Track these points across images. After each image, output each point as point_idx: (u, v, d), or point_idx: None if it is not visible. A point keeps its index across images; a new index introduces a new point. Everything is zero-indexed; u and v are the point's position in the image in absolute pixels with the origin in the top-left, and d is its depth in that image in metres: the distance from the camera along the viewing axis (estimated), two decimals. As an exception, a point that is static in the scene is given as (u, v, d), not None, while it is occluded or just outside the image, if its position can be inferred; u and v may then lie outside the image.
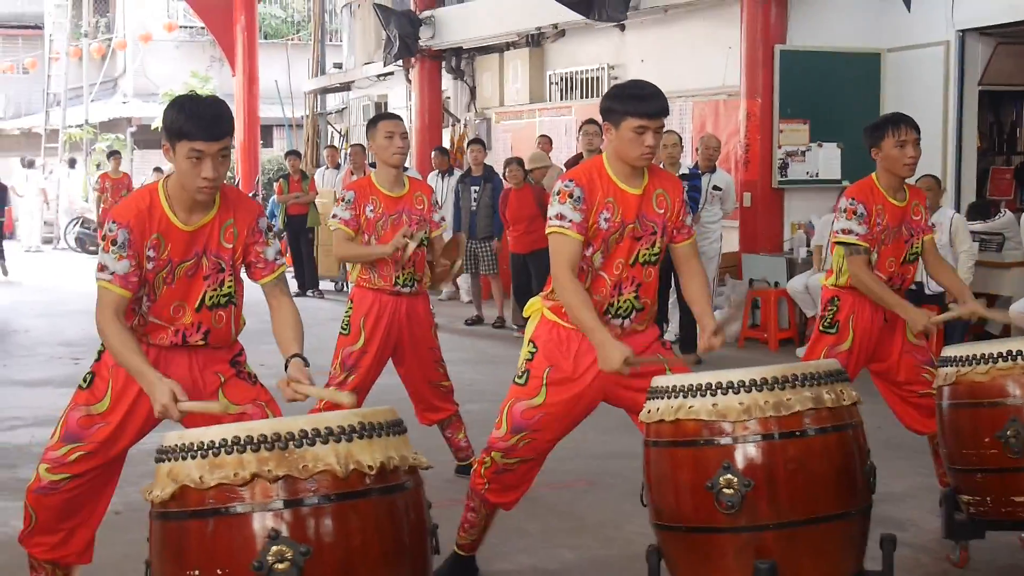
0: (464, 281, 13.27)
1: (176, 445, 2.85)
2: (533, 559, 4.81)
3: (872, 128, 5.05)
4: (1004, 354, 4.24)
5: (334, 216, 5.70)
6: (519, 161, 11.33)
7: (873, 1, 10.78)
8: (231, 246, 3.69)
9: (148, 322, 3.67)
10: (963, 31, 10.27)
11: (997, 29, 10.26)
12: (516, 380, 4.13)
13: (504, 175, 11.27)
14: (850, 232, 4.94)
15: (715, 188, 10.16)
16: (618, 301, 4.05)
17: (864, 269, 4.94)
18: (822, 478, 3.37)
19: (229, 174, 22.08)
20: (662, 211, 4.09)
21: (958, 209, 9.94)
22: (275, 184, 15.08)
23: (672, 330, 10.06)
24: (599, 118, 4.28)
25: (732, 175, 10.80)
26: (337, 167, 15.98)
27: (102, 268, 3.57)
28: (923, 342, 5.09)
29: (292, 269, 15.03)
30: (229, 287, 3.72)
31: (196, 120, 3.47)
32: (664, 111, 3.99)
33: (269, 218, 16.16)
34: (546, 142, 13.11)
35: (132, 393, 3.69)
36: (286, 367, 3.58)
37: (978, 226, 9.66)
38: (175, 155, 3.52)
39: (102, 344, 3.78)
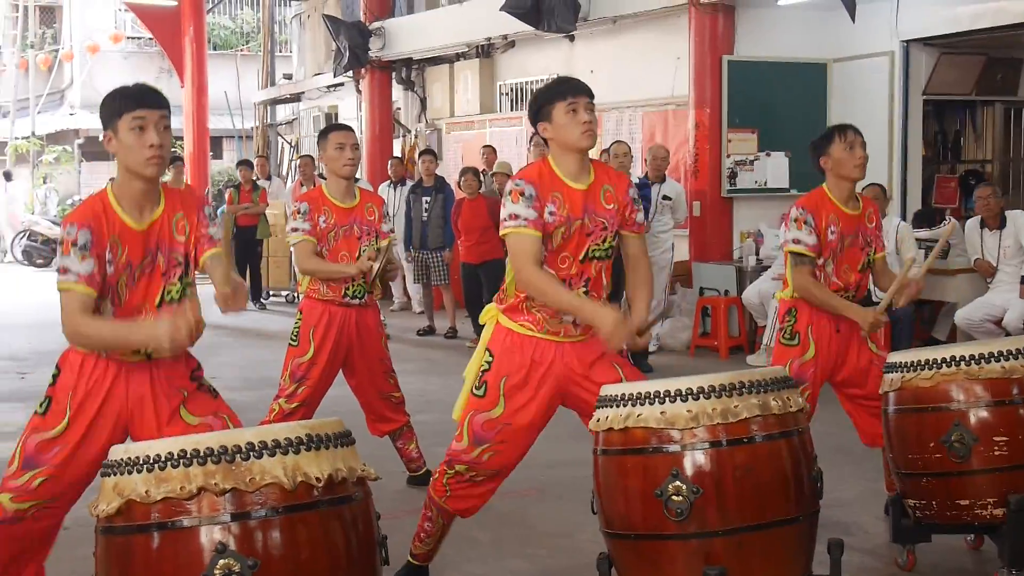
0: (416, 292, 13.25)
1: (122, 459, 2.83)
2: (484, 568, 4.81)
3: (818, 140, 5.08)
4: (948, 359, 4.31)
5: (294, 230, 5.67)
6: (474, 171, 11.34)
7: (818, 12, 10.90)
8: (183, 239, 3.71)
9: None
10: (907, 42, 10.41)
11: (940, 39, 10.41)
12: (474, 391, 4.11)
13: (459, 184, 11.28)
14: (799, 242, 4.97)
15: (665, 198, 10.21)
16: None
17: (808, 278, 4.96)
18: (770, 484, 3.39)
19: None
20: (611, 207, 4.11)
21: (904, 217, 10.07)
22: (225, 194, 14.87)
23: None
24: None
25: (682, 184, 10.87)
26: (268, 178, 15.93)
27: (65, 271, 3.54)
28: (883, 352, 5.10)
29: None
30: (185, 280, 3.73)
31: (133, 92, 3.60)
32: (589, 90, 4.09)
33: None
34: (491, 152, 13.14)
35: (90, 413, 3.65)
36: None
37: (923, 234, 9.77)
38: (118, 136, 3.57)
39: (56, 367, 3.73)
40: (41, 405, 3.71)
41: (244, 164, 15.13)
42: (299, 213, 5.68)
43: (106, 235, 3.57)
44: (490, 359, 4.10)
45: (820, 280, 4.99)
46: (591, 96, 4.09)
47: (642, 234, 4.24)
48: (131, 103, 3.55)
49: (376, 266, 5.58)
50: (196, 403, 3.71)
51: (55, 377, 3.72)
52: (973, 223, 9.21)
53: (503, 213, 4.01)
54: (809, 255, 4.96)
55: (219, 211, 15.71)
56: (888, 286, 5.21)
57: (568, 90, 4.06)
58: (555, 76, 13.38)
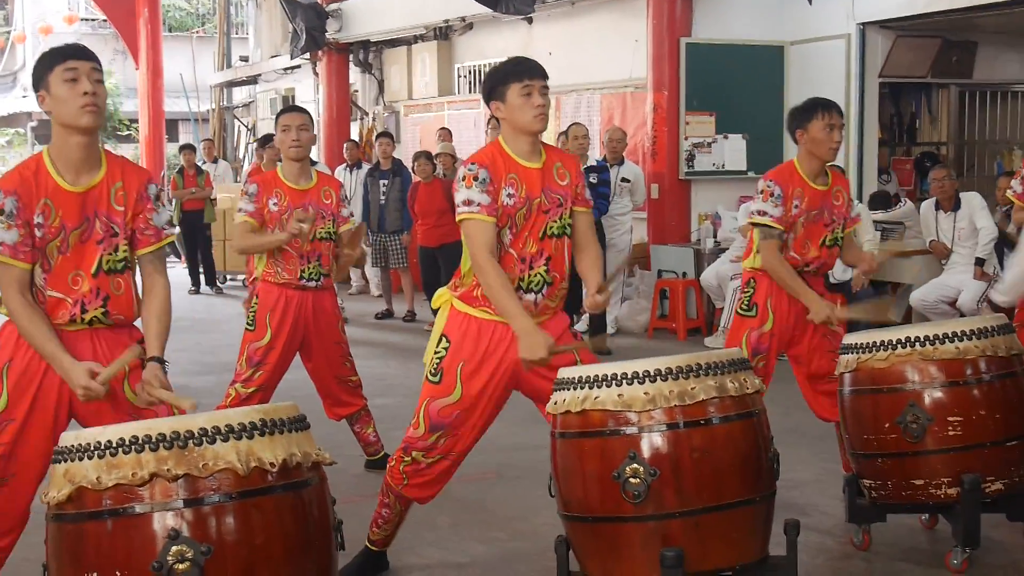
0: (374, 275, 13.20)
1: (72, 445, 2.79)
2: (443, 552, 4.80)
3: (800, 110, 5.07)
4: (903, 340, 4.33)
5: (240, 210, 5.66)
6: (428, 155, 11.30)
7: (776, -6, 10.94)
8: (122, 208, 3.65)
9: (47, 297, 3.58)
10: (863, 24, 10.46)
11: (896, 22, 10.47)
12: (430, 378, 4.09)
13: (413, 169, 11.23)
14: (765, 214, 4.98)
15: (623, 180, 10.22)
16: (529, 275, 4.04)
17: (775, 253, 4.97)
18: (727, 466, 3.41)
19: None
20: (565, 183, 4.12)
21: (860, 199, 10.13)
22: (170, 178, 14.70)
23: (583, 320, 10.10)
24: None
25: (640, 167, 10.88)
26: (215, 161, 15.80)
27: None
28: (840, 328, 5.14)
29: (187, 266, 14.82)
30: (124, 252, 3.66)
31: (62, 48, 3.60)
32: (544, 73, 4.06)
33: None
34: (446, 134, 13.10)
35: (33, 386, 3.60)
36: (143, 364, 3.58)
37: (880, 216, 9.85)
38: (51, 92, 3.54)
39: None
40: None
41: (187, 148, 14.92)
42: (247, 194, 5.66)
43: (35, 199, 3.52)
44: (447, 345, 4.07)
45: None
46: (546, 78, 4.07)
47: (590, 209, 4.23)
48: (60, 56, 3.54)
49: (305, 227, 5.50)
50: (138, 379, 3.62)
51: None
52: (928, 205, 9.28)
53: (458, 198, 3.98)
54: (775, 227, 4.97)
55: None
56: (851, 259, 5.27)
57: (524, 72, 4.03)
58: (513, 58, 13.44)
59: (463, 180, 3.97)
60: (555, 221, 4.07)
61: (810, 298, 4.97)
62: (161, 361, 3.58)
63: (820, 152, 4.99)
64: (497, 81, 4.05)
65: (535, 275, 4.05)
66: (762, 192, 5.01)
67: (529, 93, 3.99)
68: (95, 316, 3.62)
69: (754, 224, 5.05)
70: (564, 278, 4.14)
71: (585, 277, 4.23)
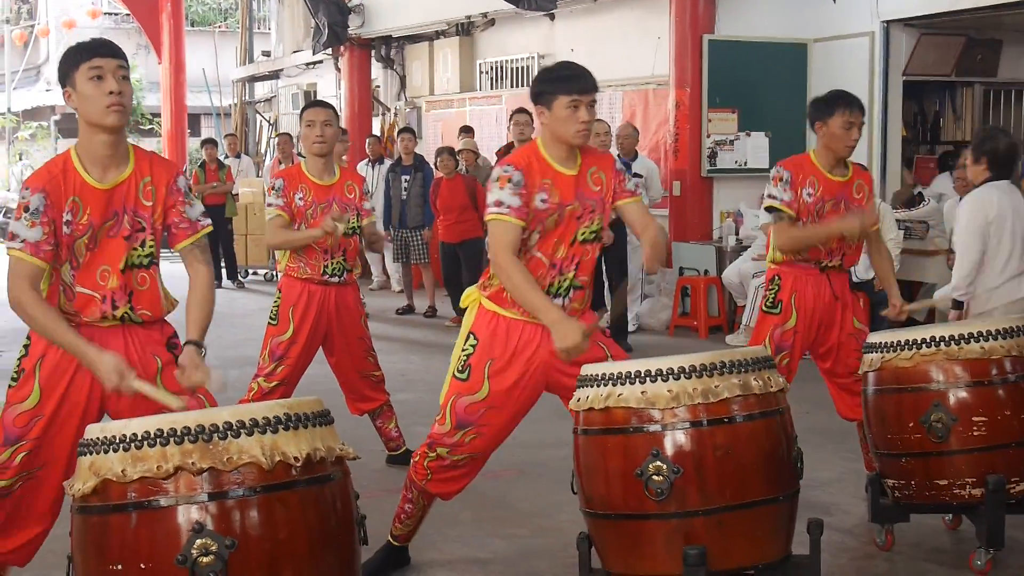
0: (395, 270, 13.22)
1: (98, 438, 2.80)
2: (465, 548, 4.80)
3: (822, 102, 5.04)
4: (928, 340, 4.31)
5: (270, 205, 5.66)
6: (450, 151, 11.30)
7: (800, -8, 10.90)
8: (150, 204, 3.64)
9: (76, 294, 3.58)
10: (887, 22, 10.41)
11: (920, 20, 10.42)
12: (457, 375, 4.08)
13: (435, 164, 11.24)
14: (774, 197, 4.98)
15: (635, 175, 10.20)
16: (558, 280, 4.04)
17: (786, 230, 4.95)
18: (750, 464, 3.40)
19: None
20: (598, 189, 4.10)
21: (883, 197, 10.08)
22: (191, 173, 14.78)
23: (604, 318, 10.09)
24: (530, 107, 4.26)
25: (662, 164, 10.85)
26: (238, 156, 15.89)
27: (12, 237, 3.51)
28: (865, 327, 5.11)
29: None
30: (150, 247, 3.66)
31: (88, 44, 3.58)
32: (594, 86, 4.03)
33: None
34: (468, 131, 13.11)
35: (64, 381, 3.61)
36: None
37: (903, 214, 9.80)
38: (77, 89, 3.53)
39: (28, 338, 3.69)
40: (14, 377, 3.67)
41: (209, 143, 14.98)
42: (274, 189, 5.66)
43: (64, 196, 3.52)
44: (474, 342, 4.07)
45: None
46: (595, 91, 4.02)
47: (638, 198, 4.18)
48: (87, 54, 3.53)
49: (339, 226, 5.50)
50: (172, 376, 3.63)
51: (26, 348, 3.68)
52: (952, 204, 9.21)
53: (489, 198, 3.98)
54: (785, 211, 4.95)
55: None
56: (880, 263, 5.24)
57: (575, 86, 3.98)
58: (535, 55, 13.43)
59: (496, 181, 3.96)
60: (587, 227, 4.06)
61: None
62: (198, 345, 3.60)
63: (836, 148, 4.98)
64: (546, 87, 4.02)
65: (564, 280, 4.05)
66: (772, 178, 5.03)
67: (576, 107, 3.95)
68: (125, 312, 3.63)
69: (766, 208, 5.06)
70: (592, 281, 4.13)
71: (642, 241, 4.07)
